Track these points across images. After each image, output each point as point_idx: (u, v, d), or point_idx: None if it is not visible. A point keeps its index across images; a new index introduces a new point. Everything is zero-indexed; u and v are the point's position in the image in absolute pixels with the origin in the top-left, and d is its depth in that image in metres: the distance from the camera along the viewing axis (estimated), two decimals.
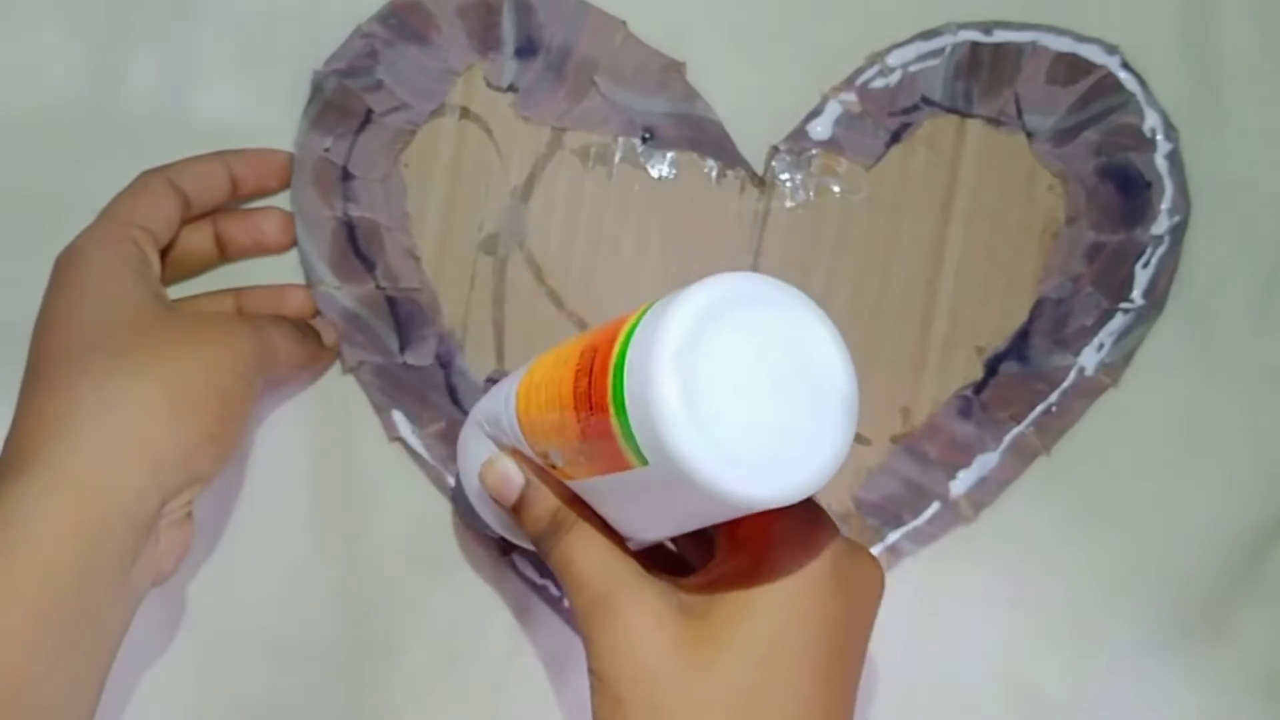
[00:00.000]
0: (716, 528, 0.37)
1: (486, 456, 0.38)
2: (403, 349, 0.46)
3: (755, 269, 0.46)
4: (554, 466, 0.36)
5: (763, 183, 0.47)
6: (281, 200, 0.46)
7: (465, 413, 0.46)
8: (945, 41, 0.47)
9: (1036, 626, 0.46)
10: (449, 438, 0.46)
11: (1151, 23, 0.47)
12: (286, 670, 0.46)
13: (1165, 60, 0.47)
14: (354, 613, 0.46)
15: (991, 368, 0.47)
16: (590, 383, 0.32)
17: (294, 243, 0.46)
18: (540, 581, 0.46)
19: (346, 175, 0.46)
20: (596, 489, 0.35)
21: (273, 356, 0.42)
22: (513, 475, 0.38)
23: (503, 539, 0.42)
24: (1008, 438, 0.46)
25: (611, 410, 0.31)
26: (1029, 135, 0.47)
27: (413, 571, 0.46)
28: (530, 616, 0.46)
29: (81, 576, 0.36)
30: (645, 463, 0.30)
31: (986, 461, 0.46)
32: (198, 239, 0.45)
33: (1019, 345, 0.47)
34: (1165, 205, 0.46)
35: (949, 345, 0.47)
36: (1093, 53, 0.46)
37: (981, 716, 0.46)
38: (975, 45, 0.47)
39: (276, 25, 0.46)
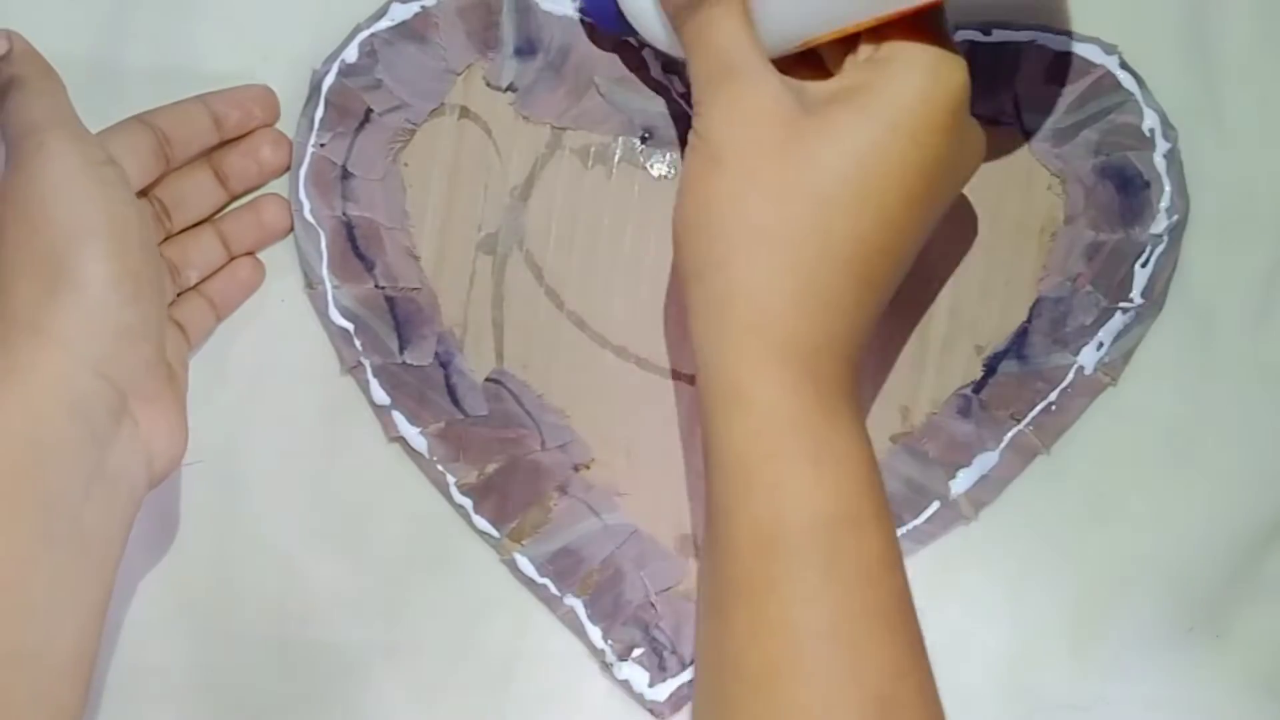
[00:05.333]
0: (847, 49, 0.38)
1: None
2: (402, 349, 0.46)
3: None
4: None
5: None
6: (278, 190, 0.46)
7: (465, 413, 0.46)
8: None
9: (1036, 625, 0.46)
10: (449, 437, 0.46)
11: (1150, 22, 0.47)
12: (287, 670, 0.45)
13: (1164, 59, 0.47)
14: (354, 613, 0.46)
15: (991, 367, 0.47)
16: None
17: (289, 165, 0.46)
18: (540, 581, 0.46)
19: (345, 174, 0.46)
20: None
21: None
22: None
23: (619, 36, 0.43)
24: (1007, 436, 0.46)
25: None
26: (1027, 134, 0.47)
27: (413, 571, 0.46)
28: (530, 616, 0.46)
29: (28, 475, 0.35)
30: None
31: (986, 460, 0.46)
32: (198, 178, 0.45)
33: (1018, 344, 0.47)
34: (1164, 204, 0.46)
35: (948, 344, 0.47)
36: (1091, 52, 0.46)
37: (981, 715, 0.46)
38: (974, 45, 0.46)
39: (276, 25, 0.46)
